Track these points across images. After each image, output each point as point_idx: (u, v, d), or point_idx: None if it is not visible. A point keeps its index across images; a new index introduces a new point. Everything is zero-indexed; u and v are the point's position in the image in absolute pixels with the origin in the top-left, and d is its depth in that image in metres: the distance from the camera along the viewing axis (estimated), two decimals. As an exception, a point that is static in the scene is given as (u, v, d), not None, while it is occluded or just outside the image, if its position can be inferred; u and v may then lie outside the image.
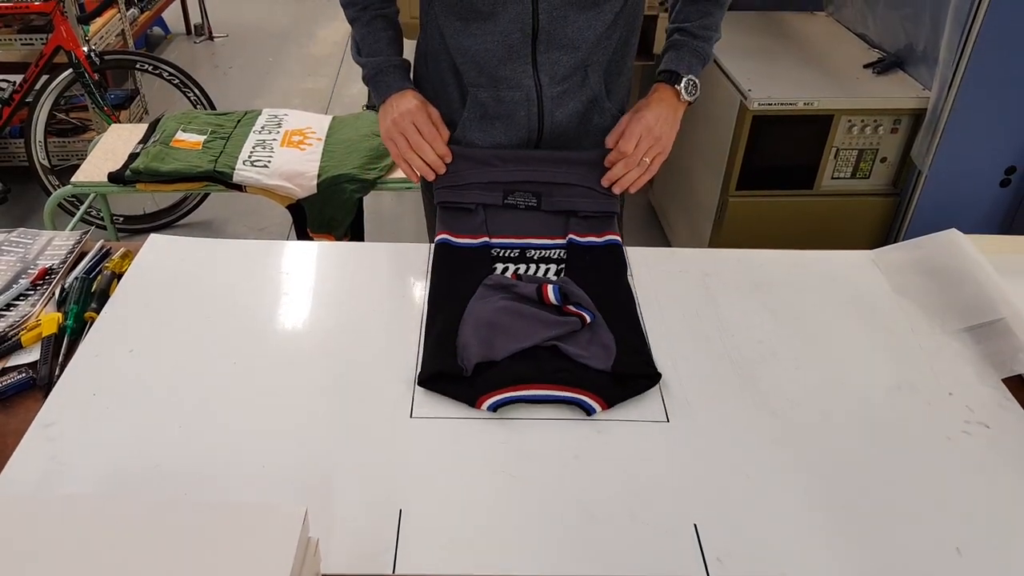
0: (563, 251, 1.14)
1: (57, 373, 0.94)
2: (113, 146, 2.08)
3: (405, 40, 1.26)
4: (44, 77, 2.84)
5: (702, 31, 1.20)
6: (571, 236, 1.14)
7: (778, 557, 0.74)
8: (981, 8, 1.85)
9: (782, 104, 2.12)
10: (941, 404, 0.92)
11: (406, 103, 1.18)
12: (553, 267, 1.12)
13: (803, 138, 2.20)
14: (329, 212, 1.90)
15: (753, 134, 2.19)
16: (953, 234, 1.10)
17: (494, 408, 0.90)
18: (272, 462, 0.84)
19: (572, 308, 1.00)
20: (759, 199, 2.29)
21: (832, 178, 2.27)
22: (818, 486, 0.82)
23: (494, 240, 1.15)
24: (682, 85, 1.18)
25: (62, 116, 3.24)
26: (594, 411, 0.89)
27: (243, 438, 0.86)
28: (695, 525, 0.77)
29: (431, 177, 1.19)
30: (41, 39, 2.94)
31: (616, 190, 1.18)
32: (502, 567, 0.73)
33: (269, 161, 1.97)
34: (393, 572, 0.73)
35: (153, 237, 1.18)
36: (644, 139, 1.15)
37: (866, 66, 2.28)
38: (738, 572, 0.73)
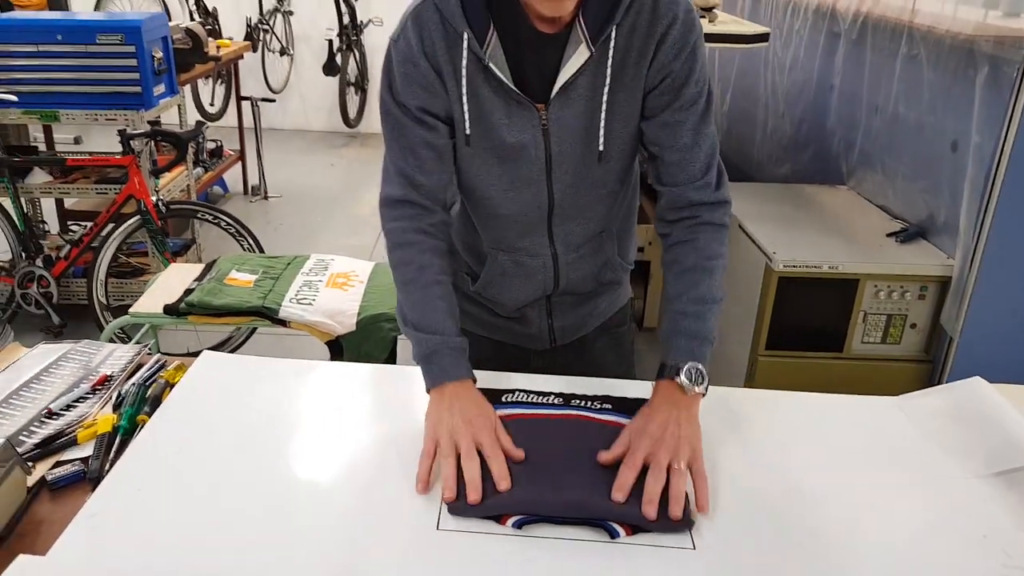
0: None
1: (107, 468, 0.98)
2: (170, 283, 2.21)
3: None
4: (110, 225, 3.06)
5: (694, 307, 1.09)
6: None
7: None
8: (998, 178, 1.96)
9: (807, 267, 2.20)
10: (976, 547, 0.91)
11: (472, 409, 1.03)
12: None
13: (830, 301, 2.26)
14: (366, 348, 1.97)
15: (780, 296, 2.26)
16: (978, 382, 1.13)
17: (519, 525, 0.91)
18: (301, 563, 0.85)
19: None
20: (789, 360, 2.32)
21: (862, 342, 2.30)
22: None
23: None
24: (682, 378, 1.03)
25: (123, 259, 3.45)
26: (618, 535, 0.90)
27: (274, 544, 0.88)
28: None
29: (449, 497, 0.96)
30: (115, 189, 3.20)
31: (677, 512, 0.92)
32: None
33: (314, 299, 2.08)
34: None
35: (206, 353, 1.25)
36: (658, 451, 0.96)
37: (889, 235, 2.38)
38: None
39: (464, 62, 1.06)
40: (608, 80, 1.07)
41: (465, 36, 1.04)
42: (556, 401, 1.12)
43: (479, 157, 1.13)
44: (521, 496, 0.93)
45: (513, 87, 1.06)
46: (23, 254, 3.20)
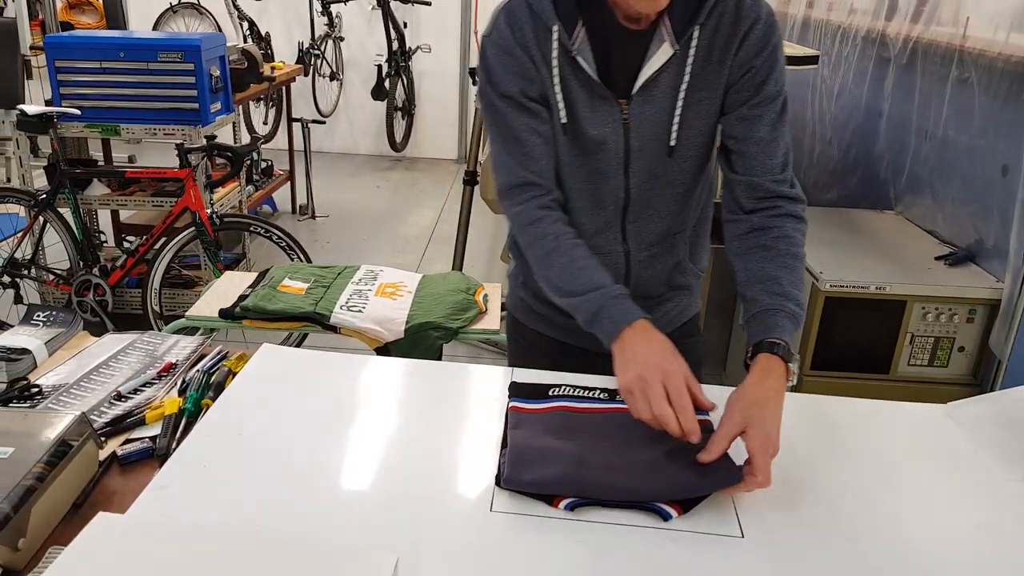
0: None
1: (174, 447, 1.03)
2: (225, 289, 2.28)
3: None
4: (163, 239, 3.16)
5: (793, 290, 1.09)
6: None
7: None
8: (1047, 202, 1.94)
9: (854, 287, 2.19)
10: (1025, 547, 0.91)
11: (654, 352, 1.01)
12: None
13: (877, 323, 2.25)
14: (414, 355, 2.01)
15: (826, 316, 2.26)
16: (1029, 389, 1.12)
17: (571, 508, 0.93)
18: (359, 537, 0.88)
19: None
20: (835, 380, 2.30)
21: (909, 364, 2.28)
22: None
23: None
24: (785, 354, 1.02)
25: (176, 271, 3.55)
26: (670, 517, 0.92)
27: (332, 519, 0.91)
28: (774, 630, 0.77)
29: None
30: (170, 202, 3.31)
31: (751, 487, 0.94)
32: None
33: (364, 307, 2.12)
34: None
35: (266, 345, 1.30)
36: (753, 430, 0.95)
37: (937, 258, 2.36)
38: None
39: (555, 53, 1.10)
40: (687, 77, 1.10)
41: (554, 29, 1.09)
42: (602, 396, 1.14)
43: (565, 148, 1.17)
44: (577, 479, 0.95)
45: (598, 80, 1.10)
46: (80, 263, 3.32)
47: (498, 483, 0.97)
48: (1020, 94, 2.14)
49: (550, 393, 1.15)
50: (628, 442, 1.02)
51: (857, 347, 2.28)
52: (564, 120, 1.14)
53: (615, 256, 1.25)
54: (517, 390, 1.15)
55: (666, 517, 0.92)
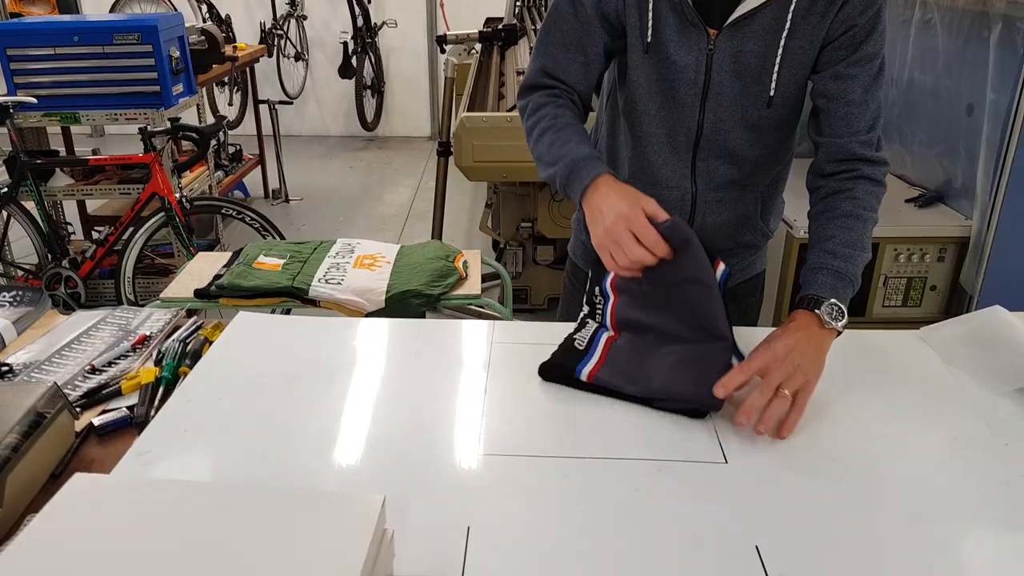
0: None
1: (152, 414, 1.02)
2: (199, 270, 2.25)
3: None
4: (132, 227, 3.11)
5: (844, 249, 1.07)
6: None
7: (842, 574, 0.75)
8: (1014, 135, 1.96)
9: (827, 232, 2.21)
10: (998, 454, 0.93)
11: (612, 204, 1.03)
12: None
13: (850, 266, 2.27)
14: (394, 325, 2.01)
15: (801, 263, 2.27)
16: (998, 309, 1.14)
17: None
18: (347, 486, 0.88)
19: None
20: (811, 326, 2.32)
21: (883, 306, 2.31)
22: (880, 516, 0.83)
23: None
24: (823, 309, 1.02)
25: (149, 259, 3.50)
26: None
27: (321, 467, 0.91)
28: (756, 547, 0.78)
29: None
30: (138, 189, 3.26)
31: (761, 429, 0.94)
32: None
33: (342, 280, 2.11)
34: None
35: (242, 313, 1.28)
36: (773, 371, 0.96)
37: (907, 201, 2.39)
38: (804, 584, 0.73)
39: None
40: (788, 25, 1.09)
41: None
42: (598, 303, 1.19)
43: (645, 71, 1.16)
44: (610, 371, 1.04)
45: (691, 5, 1.09)
46: (49, 256, 3.26)
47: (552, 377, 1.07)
48: (981, 32, 2.15)
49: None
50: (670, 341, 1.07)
51: (833, 292, 2.30)
52: (649, 39, 1.13)
53: (682, 192, 1.23)
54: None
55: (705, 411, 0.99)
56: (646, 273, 1.04)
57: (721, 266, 1.06)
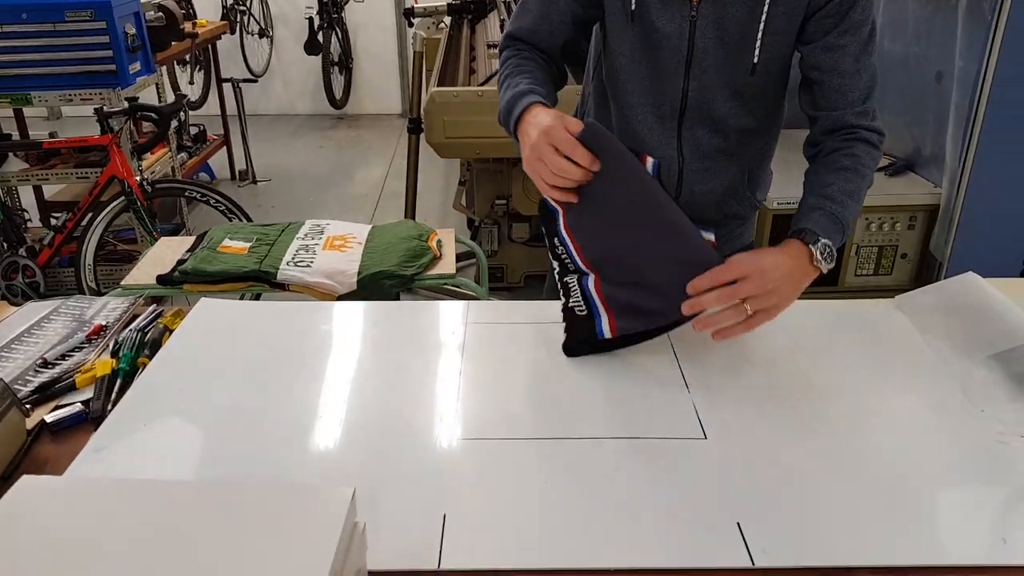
0: None
1: (109, 408, 0.98)
2: (162, 255, 2.18)
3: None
4: (91, 212, 3.02)
5: (841, 196, 1.07)
6: None
7: (825, 546, 0.74)
8: (982, 102, 1.96)
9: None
10: (975, 420, 0.93)
11: (537, 122, 1.03)
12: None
13: (823, 237, 2.27)
14: (365, 307, 1.97)
15: (775, 234, 2.27)
16: (971, 276, 1.14)
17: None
18: (317, 477, 0.85)
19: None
20: (784, 297, 2.32)
21: (856, 275, 2.32)
22: (860, 485, 0.82)
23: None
24: (818, 247, 1.00)
25: (110, 245, 3.41)
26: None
27: (288, 460, 0.88)
28: (738, 523, 0.76)
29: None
30: (95, 172, 3.16)
31: (697, 327, 0.97)
32: (546, 562, 0.73)
33: (312, 262, 2.06)
34: (438, 567, 0.73)
35: (204, 299, 1.24)
36: (751, 280, 0.94)
37: (878, 169, 2.38)
38: (786, 561, 0.72)
39: None
40: None
41: None
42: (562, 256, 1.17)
43: (628, 41, 1.15)
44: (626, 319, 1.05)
45: None
46: (4, 245, 3.16)
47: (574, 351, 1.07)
48: (950, 0, 2.14)
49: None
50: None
51: (806, 263, 2.31)
52: (633, 7, 1.12)
53: (668, 162, 1.22)
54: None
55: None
56: (581, 194, 1.03)
57: (649, 160, 1.05)
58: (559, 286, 1.16)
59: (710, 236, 1.06)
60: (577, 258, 1.15)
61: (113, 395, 1.01)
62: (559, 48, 1.21)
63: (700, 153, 1.21)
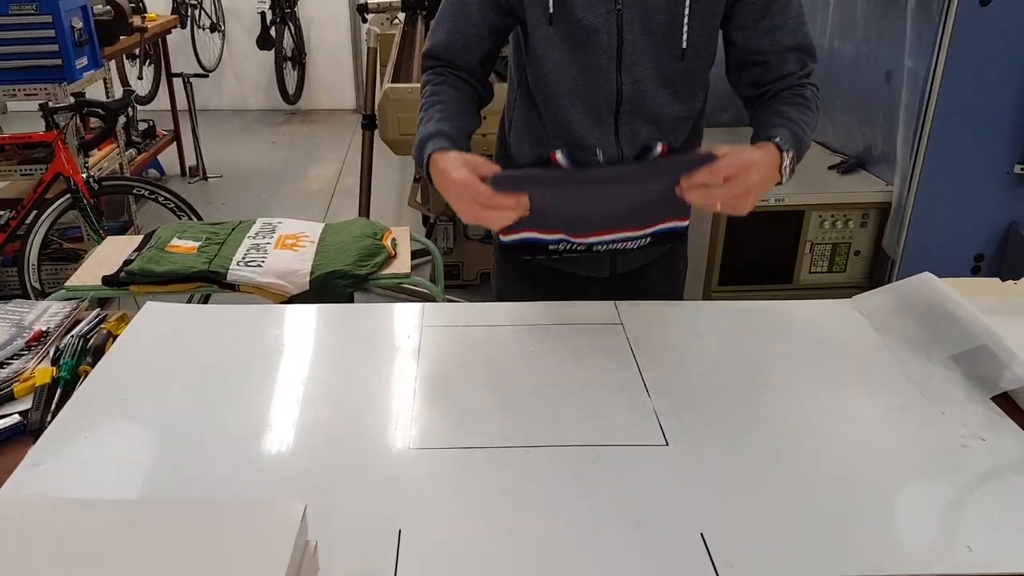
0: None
1: (48, 420, 0.93)
2: (108, 255, 2.12)
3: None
4: (35, 210, 2.91)
5: (800, 121, 1.10)
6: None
7: (790, 558, 0.73)
8: (931, 101, 1.99)
9: (755, 201, 2.22)
10: (935, 423, 0.93)
11: (445, 176, 1.03)
12: None
13: (778, 234, 2.30)
14: (320, 308, 1.93)
15: (730, 232, 2.29)
16: (927, 276, 1.15)
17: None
18: (266, 493, 0.82)
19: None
20: (741, 293, 2.35)
21: (810, 272, 2.35)
22: (823, 493, 0.82)
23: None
24: (785, 156, 1.04)
25: (56, 244, 3.30)
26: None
27: (238, 473, 0.85)
28: (702, 534, 0.76)
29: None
30: (40, 169, 3.05)
31: (683, 187, 0.98)
32: None
33: (263, 261, 2.01)
34: (392, 582, 0.71)
35: (149, 303, 1.20)
36: (741, 177, 0.97)
37: (830, 168, 2.42)
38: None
39: None
40: None
41: None
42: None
43: (553, 42, 1.13)
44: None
45: None
46: (-55, 244, 3.04)
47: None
48: (899, 1, 2.17)
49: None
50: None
51: (761, 260, 2.33)
52: (551, 9, 1.10)
53: (608, 157, 1.21)
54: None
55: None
56: (534, 211, 1.03)
57: (559, 154, 1.11)
58: None
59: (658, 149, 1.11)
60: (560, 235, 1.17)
61: (53, 405, 0.96)
62: (477, 62, 1.21)
63: (638, 145, 1.21)
